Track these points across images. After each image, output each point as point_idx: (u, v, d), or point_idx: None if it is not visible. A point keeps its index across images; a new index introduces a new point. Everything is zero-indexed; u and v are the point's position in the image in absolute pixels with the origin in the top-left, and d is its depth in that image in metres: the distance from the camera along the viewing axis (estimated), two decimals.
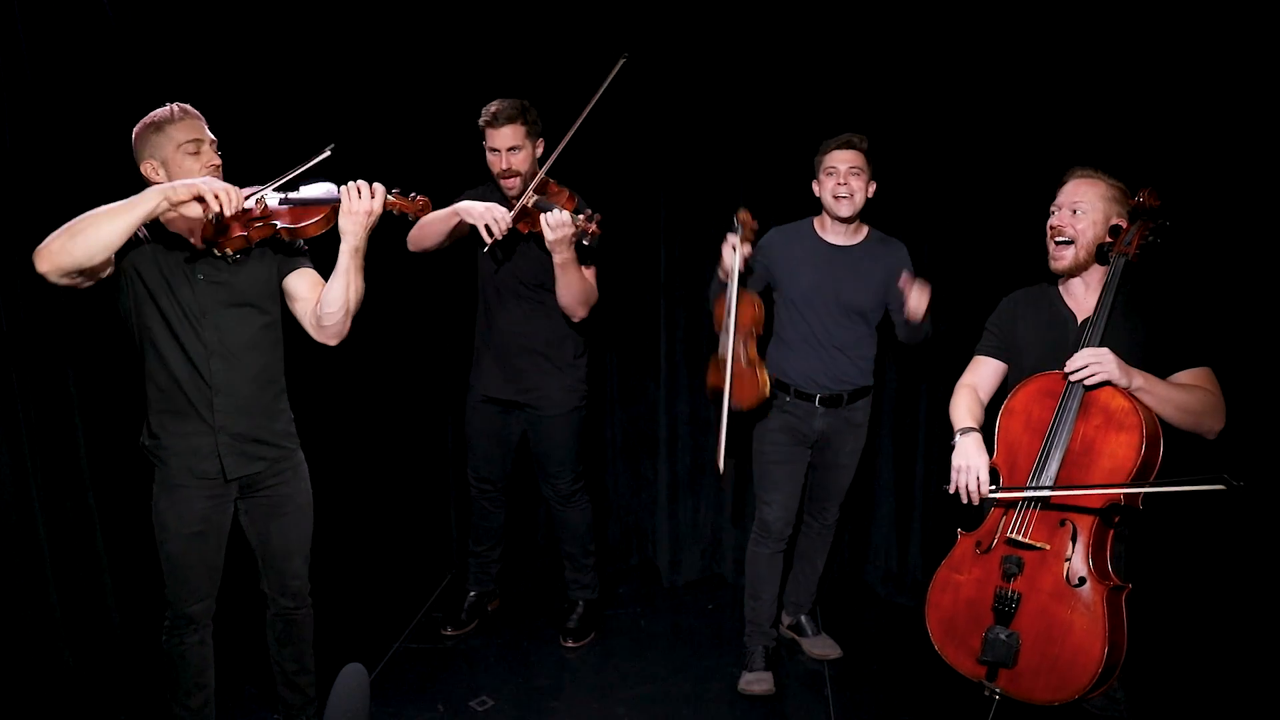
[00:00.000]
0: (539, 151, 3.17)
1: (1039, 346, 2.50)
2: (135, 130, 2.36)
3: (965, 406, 2.56)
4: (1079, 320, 2.46)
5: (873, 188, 3.04)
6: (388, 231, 2.66)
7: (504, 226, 3.00)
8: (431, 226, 3.11)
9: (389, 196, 2.42)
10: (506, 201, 3.14)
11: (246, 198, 2.36)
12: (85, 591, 2.97)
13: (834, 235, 3.10)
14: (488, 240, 3.02)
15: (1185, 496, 2.21)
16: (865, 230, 3.14)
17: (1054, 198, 2.49)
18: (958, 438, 2.48)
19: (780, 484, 3.18)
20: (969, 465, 2.41)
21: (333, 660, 2.73)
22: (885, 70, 3.47)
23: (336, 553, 3.78)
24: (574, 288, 3.10)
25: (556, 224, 2.93)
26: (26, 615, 2.82)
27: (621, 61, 2.96)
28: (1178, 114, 3.11)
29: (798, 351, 3.12)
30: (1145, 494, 2.26)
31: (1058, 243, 2.45)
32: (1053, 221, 2.46)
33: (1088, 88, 3.24)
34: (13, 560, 2.78)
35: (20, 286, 2.75)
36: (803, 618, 3.50)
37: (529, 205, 3.04)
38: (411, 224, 2.43)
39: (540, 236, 3.00)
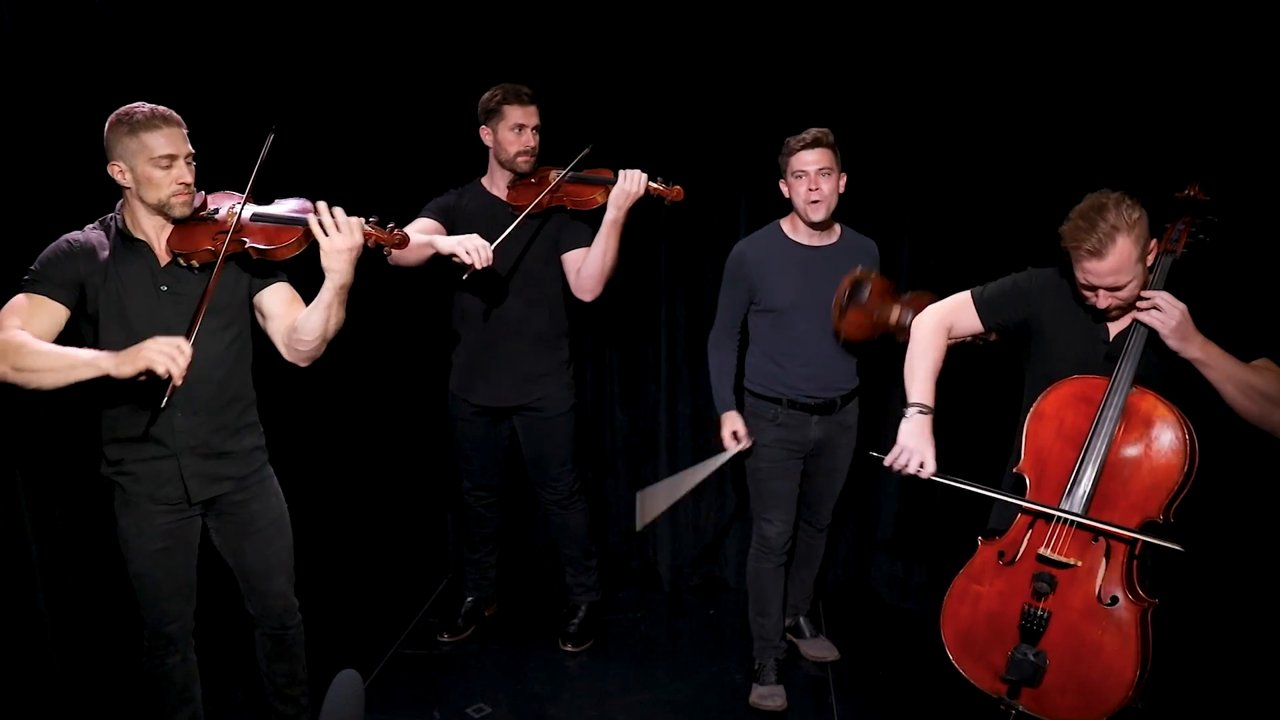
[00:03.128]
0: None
1: (1068, 361, 2.33)
2: (108, 122, 2.24)
3: (928, 368, 2.41)
4: (1111, 336, 2.31)
5: (843, 181, 2.93)
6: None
7: (486, 256, 2.82)
8: (407, 257, 2.91)
9: (366, 228, 2.26)
10: (492, 202, 3.11)
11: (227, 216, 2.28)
12: (74, 596, 2.91)
13: (807, 237, 2.99)
14: (468, 263, 2.78)
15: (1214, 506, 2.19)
16: (838, 228, 3.05)
17: (1064, 249, 2.24)
18: (909, 410, 2.37)
19: (779, 498, 3.10)
20: (914, 449, 2.32)
21: (327, 666, 2.66)
22: (881, 64, 3.41)
23: (331, 557, 3.73)
24: (610, 254, 3.02)
25: (637, 177, 2.92)
26: (14, 620, 2.76)
27: (587, 150, 3.03)
28: (1208, 99, 3.00)
29: (787, 362, 3.01)
30: (1175, 508, 2.20)
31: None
32: (1101, 305, 2.22)
33: (1095, 74, 3.17)
34: (0, 565, 2.73)
35: (5, 288, 2.70)
36: (801, 620, 3.45)
37: (562, 181, 3.04)
38: (388, 257, 2.32)
39: (560, 209, 3.05)
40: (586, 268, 3.07)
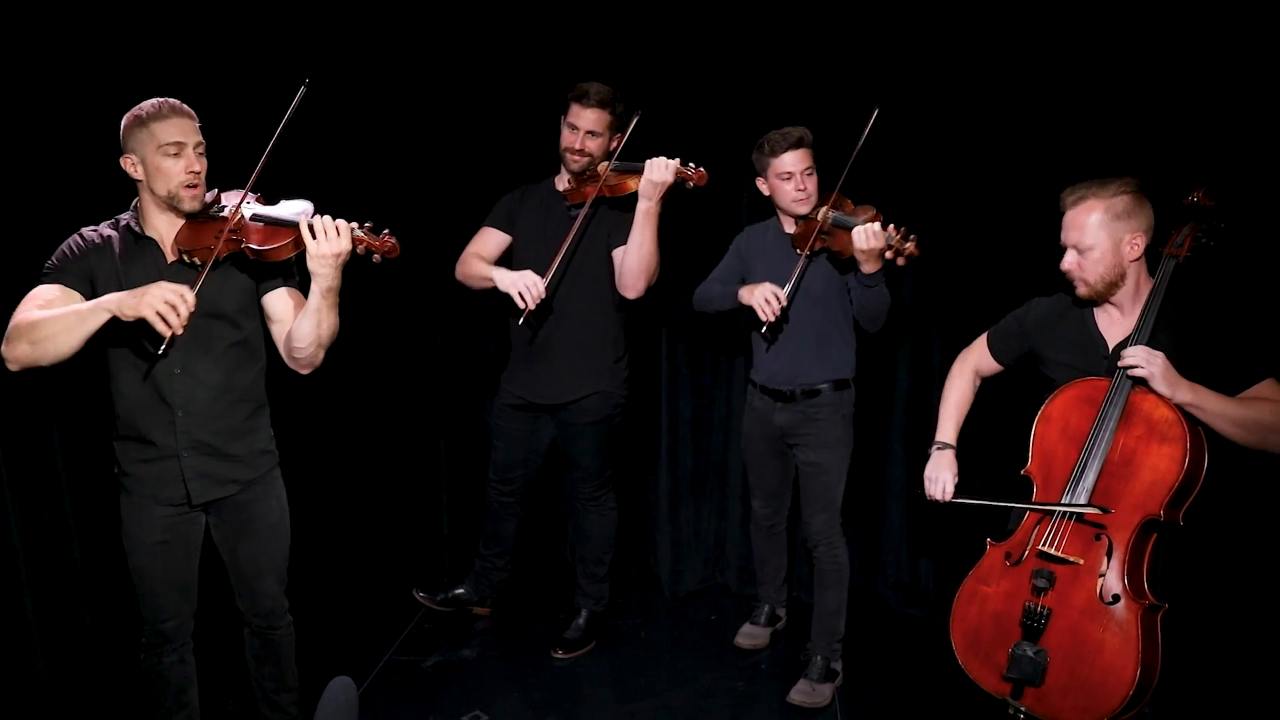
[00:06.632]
0: (614, 146, 3.12)
1: (1068, 373, 2.40)
2: (124, 120, 2.27)
3: (955, 405, 2.66)
4: (1110, 348, 2.36)
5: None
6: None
7: (537, 294, 2.96)
8: (471, 281, 3.18)
9: (357, 233, 2.22)
10: (551, 198, 3.16)
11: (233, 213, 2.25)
12: (60, 600, 2.87)
13: (791, 226, 3.12)
14: (521, 307, 2.98)
15: (1233, 511, 2.15)
16: None
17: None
18: (933, 450, 2.63)
19: (760, 478, 3.30)
20: (937, 478, 2.60)
21: (320, 673, 2.63)
22: (881, 59, 3.38)
23: (324, 563, 3.68)
24: (647, 246, 3.02)
25: (662, 165, 2.92)
26: (3, 625, 2.72)
27: (636, 118, 3.04)
28: (1219, 102, 2.96)
29: (762, 349, 3.13)
30: (1185, 510, 2.21)
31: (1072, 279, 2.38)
32: (1063, 266, 2.36)
33: (1105, 80, 3.12)
34: None
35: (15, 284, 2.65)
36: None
37: (606, 174, 3.06)
38: (377, 264, 2.28)
39: (611, 200, 3.08)
40: (625, 261, 3.08)
